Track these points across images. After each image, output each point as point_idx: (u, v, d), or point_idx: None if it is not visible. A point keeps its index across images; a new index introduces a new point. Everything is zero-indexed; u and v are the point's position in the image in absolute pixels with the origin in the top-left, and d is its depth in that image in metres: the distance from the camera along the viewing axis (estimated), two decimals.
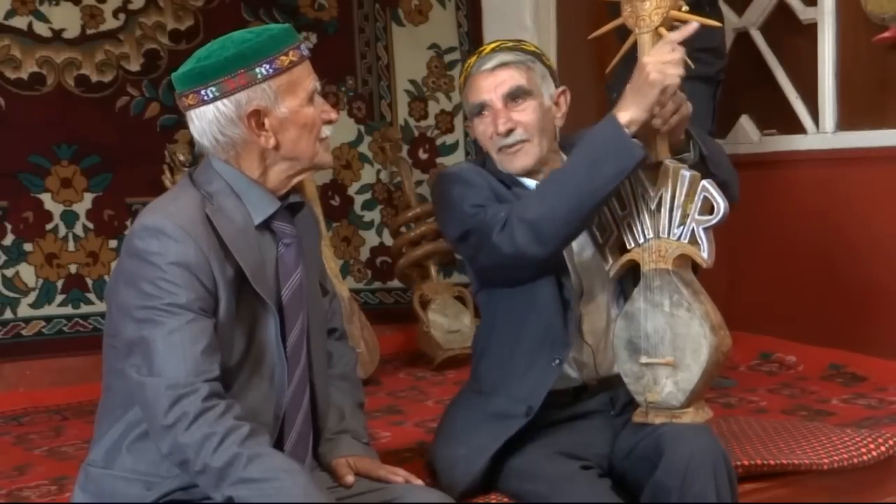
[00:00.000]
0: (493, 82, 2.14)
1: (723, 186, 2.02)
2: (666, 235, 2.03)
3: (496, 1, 4.52)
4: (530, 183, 2.17)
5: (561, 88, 2.21)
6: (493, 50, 2.18)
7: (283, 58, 1.77)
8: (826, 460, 2.28)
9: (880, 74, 3.45)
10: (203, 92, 1.75)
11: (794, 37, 3.70)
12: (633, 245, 2.08)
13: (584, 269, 2.17)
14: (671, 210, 2.02)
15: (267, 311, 1.79)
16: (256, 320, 1.79)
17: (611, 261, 2.11)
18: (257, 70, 1.75)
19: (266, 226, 1.82)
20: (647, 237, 2.05)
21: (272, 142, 1.79)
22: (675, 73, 1.97)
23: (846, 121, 3.58)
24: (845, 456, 2.30)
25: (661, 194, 2.03)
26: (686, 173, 2.01)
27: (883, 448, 2.36)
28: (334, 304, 2.13)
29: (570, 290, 2.11)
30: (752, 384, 3.30)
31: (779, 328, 3.67)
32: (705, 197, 1.98)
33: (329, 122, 1.84)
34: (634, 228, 2.07)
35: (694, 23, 2.00)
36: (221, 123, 1.76)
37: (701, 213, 1.99)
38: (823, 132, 3.63)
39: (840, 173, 3.59)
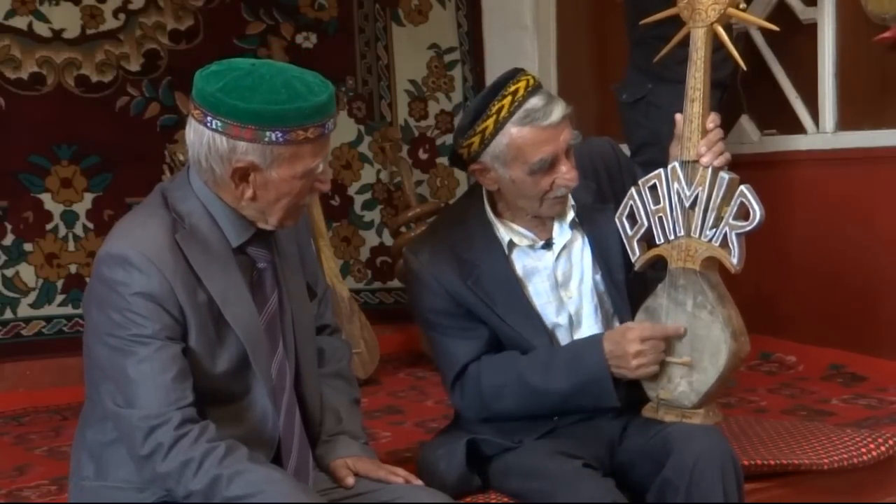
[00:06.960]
0: (558, 134, 2.01)
1: None
2: (697, 235, 2.00)
3: (496, 1, 4.52)
4: (521, 241, 2.14)
5: None
6: (546, 95, 2.03)
7: (299, 132, 1.68)
8: (826, 460, 2.28)
9: (880, 74, 3.45)
10: (209, 118, 1.69)
11: (794, 37, 3.70)
12: (662, 240, 2.04)
13: (571, 300, 2.14)
14: (706, 211, 1.99)
15: (239, 339, 1.77)
16: (240, 345, 1.77)
17: (638, 252, 2.08)
18: (267, 133, 1.67)
19: (241, 249, 1.80)
20: (678, 234, 2.02)
21: (249, 194, 1.74)
22: (650, 370, 2.01)
23: (846, 121, 3.57)
24: (845, 456, 2.30)
25: (698, 193, 1.99)
26: (725, 175, 1.97)
27: (883, 448, 2.35)
28: (326, 299, 2.10)
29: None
30: (752, 384, 3.30)
31: (779, 328, 3.66)
32: (742, 202, 1.94)
33: (318, 191, 1.79)
34: (666, 224, 2.03)
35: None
36: (210, 152, 1.71)
37: (736, 218, 1.95)
38: (823, 132, 3.62)
39: (840, 173, 3.59)
